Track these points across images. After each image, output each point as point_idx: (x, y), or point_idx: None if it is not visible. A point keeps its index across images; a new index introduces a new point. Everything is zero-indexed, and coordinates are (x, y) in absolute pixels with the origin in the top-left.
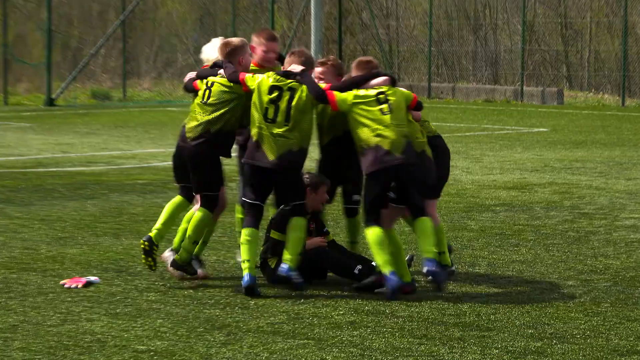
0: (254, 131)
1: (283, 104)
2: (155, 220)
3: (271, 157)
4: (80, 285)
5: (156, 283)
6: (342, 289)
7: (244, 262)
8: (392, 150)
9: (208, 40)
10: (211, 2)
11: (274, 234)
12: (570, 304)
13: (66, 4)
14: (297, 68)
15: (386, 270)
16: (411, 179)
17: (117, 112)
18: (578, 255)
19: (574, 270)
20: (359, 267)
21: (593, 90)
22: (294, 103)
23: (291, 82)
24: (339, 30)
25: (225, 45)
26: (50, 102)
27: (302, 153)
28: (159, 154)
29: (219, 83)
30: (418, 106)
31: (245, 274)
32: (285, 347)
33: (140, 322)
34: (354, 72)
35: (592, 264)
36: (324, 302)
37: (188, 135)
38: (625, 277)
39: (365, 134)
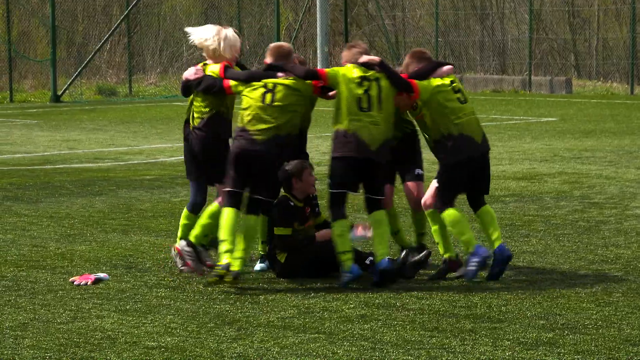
0: (344, 123)
1: (374, 93)
2: (164, 216)
3: (373, 147)
4: (89, 282)
5: (166, 279)
6: (353, 282)
7: (344, 253)
8: (475, 138)
9: None
10: None
11: (278, 230)
12: (582, 294)
13: None
14: (375, 59)
15: (471, 247)
16: (486, 168)
17: (124, 108)
18: (589, 245)
19: (585, 260)
20: (370, 258)
21: (601, 78)
22: (383, 92)
23: (373, 72)
24: (345, 22)
25: (279, 48)
26: (56, 99)
27: (391, 142)
28: (167, 149)
29: (285, 85)
30: None
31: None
32: (296, 341)
33: (150, 318)
34: (410, 63)
35: (603, 254)
36: (335, 296)
37: (256, 137)
38: (636, 267)
39: (446, 122)
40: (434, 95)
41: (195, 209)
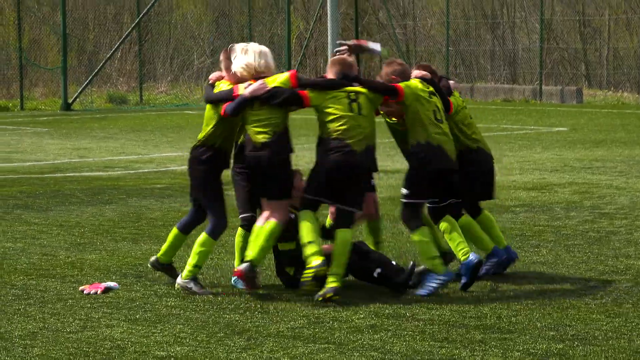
0: (425, 134)
1: (440, 106)
2: (174, 225)
3: (453, 157)
4: (99, 291)
5: (176, 288)
6: (362, 293)
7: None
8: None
9: (224, 42)
10: (227, 3)
11: (282, 246)
12: (592, 305)
13: (81, 7)
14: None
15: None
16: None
17: (134, 116)
18: (599, 256)
19: (595, 271)
20: (379, 270)
21: (612, 88)
22: (440, 105)
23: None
24: (355, 31)
25: (343, 60)
26: (67, 107)
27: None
28: (177, 157)
29: (365, 95)
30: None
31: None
32: (306, 351)
33: (160, 327)
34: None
35: (614, 265)
36: (344, 306)
37: (355, 149)
38: None
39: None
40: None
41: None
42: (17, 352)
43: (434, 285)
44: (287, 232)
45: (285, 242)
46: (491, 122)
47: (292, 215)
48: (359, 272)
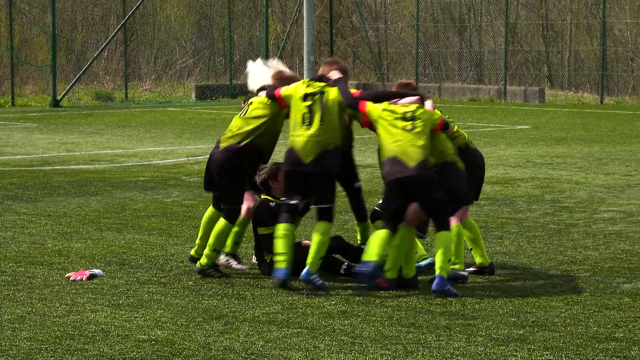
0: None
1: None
2: (156, 215)
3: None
4: (84, 278)
5: (157, 275)
6: (334, 281)
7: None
8: (405, 162)
9: (206, 43)
10: (208, 6)
11: (262, 230)
12: (552, 293)
13: (70, 9)
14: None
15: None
16: (421, 191)
17: (120, 113)
18: (559, 247)
19: (555, 261)
20: (344, 265)
21: (573, 89)
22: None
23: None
24: (330, 33)
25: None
26: (56, 103)
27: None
28: (160, 152)
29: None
30: (444, 127)
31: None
32: (280, 335)
33: (141, 312)
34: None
35: (572, 255)
36: (317, 293)
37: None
38: (603, 268)
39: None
40: (379, 118)
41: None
42: (6, 335)
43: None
44: (268, 217)
45: (265, 227)
46: (458, 120)
47: (272, 203)
48: (327, 265)
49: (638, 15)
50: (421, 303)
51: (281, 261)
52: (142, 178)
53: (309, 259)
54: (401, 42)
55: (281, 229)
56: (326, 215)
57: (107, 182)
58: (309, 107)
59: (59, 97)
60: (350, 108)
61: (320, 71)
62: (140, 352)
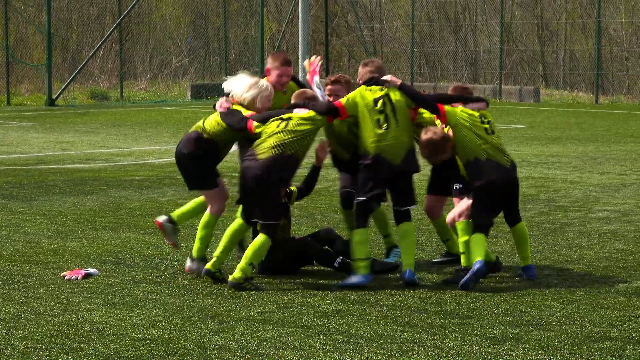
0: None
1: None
2: (151, 214)
3: (396, 161)
4: (79, 277)
5: (152, 275)
6: (330, 279)
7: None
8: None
9: (201, 43)
10: (203, 5)
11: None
12: (546, 292)
13: (65, 8)
14: (395, 81)
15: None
16: (517, 189)
17: (115, 112)
18: (554, 246)
19: (550, 260)
20: (339, 259)
21: (568, 88)
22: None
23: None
24: (325, 33)
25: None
26: (51, 102)
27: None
28: (155, 151)
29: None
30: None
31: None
32: (275, 334)
33: (137, 311)
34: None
35: (567, 254)
36: (312, 292)
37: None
38: (598, 267)
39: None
40: (461, 119)
41: None
42: (1, 333)
43: (350, 282)
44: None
45: None
46: None
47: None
48: (322, 258)
49: (633, 15)
50: (416, 302)
51: (362, 267)
52: (137, 177)
53: (405, 261)
54: (396, 41)
55: (359, 234)
56: (409, 215)
57: (103, 181)
58: (381, 111)
59: (54, 96)
60: (426, 109)
61: (359, 73)
62: (136, 351)
